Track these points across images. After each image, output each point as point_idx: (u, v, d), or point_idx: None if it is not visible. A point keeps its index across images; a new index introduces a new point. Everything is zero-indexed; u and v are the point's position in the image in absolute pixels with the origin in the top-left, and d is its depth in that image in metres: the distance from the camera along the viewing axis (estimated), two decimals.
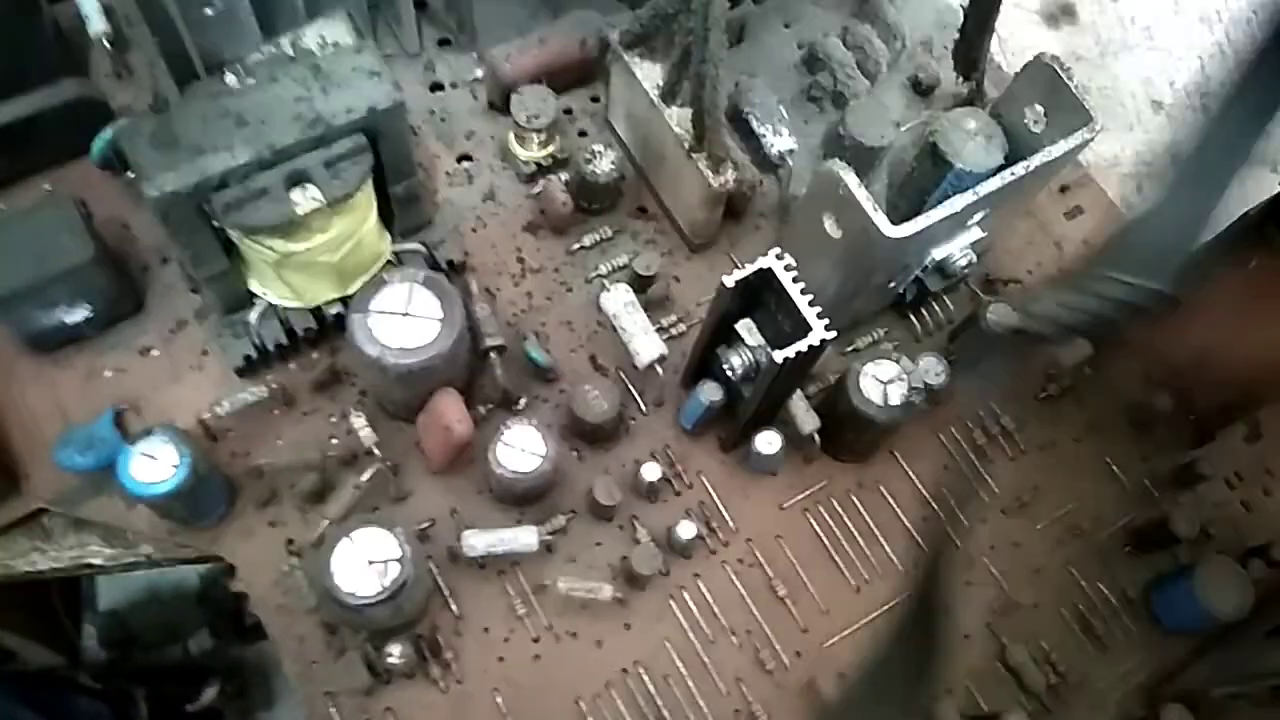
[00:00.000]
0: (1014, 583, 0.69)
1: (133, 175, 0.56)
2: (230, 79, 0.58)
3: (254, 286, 0.66)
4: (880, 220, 0.59)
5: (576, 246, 0.75)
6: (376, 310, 0.61)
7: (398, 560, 0.56)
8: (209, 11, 0.71)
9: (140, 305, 0.70)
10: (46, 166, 0.73)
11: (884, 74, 0.81)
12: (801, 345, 0.56)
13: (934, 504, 0.68)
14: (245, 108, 0.57)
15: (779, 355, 0.56)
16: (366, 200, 0.63)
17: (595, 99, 0.79)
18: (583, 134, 0.79)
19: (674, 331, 0.73)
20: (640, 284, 0.72)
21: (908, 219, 0.60)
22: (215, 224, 0.59)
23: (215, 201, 0.56)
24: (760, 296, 0.61)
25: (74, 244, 0.63)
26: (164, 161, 0.55)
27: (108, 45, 0.75)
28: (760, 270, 0.58)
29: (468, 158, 0.78)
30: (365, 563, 0.56)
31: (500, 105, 0.77)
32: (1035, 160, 0.64)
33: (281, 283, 0.65)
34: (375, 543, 0.57)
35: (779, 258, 0.58)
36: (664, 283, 0.74)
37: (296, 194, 0.58)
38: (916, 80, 0.82)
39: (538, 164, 0.76)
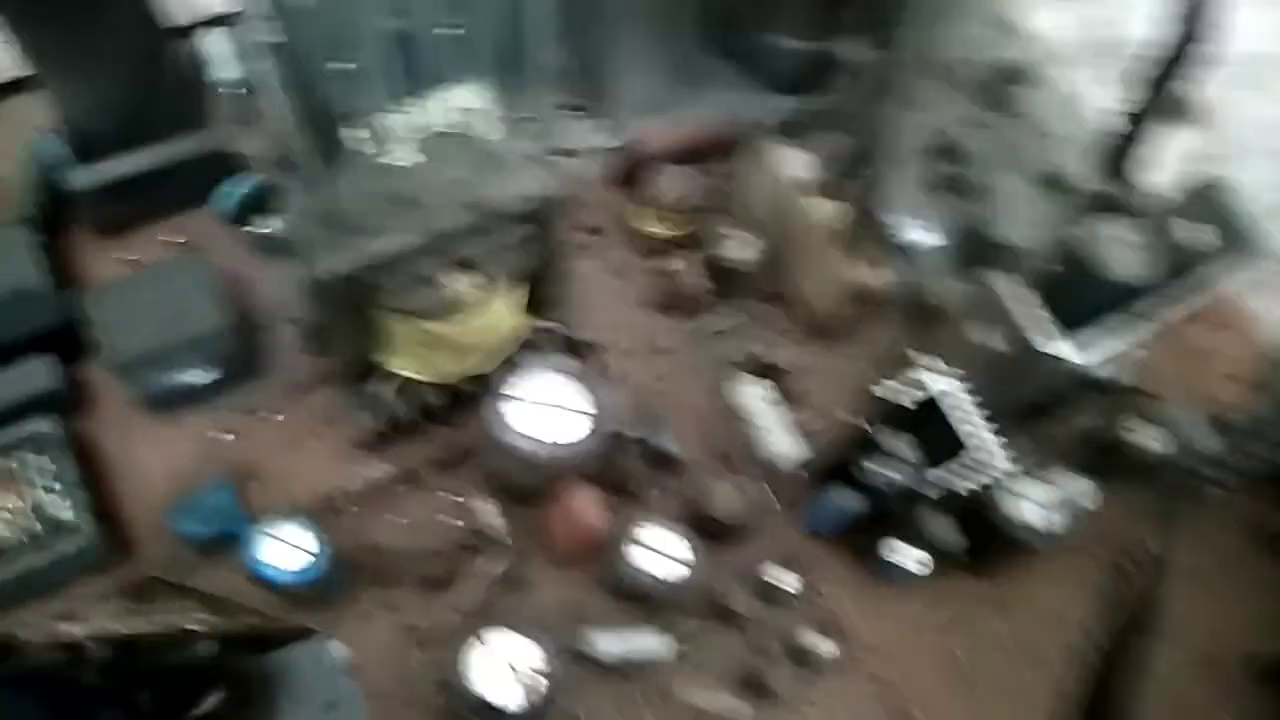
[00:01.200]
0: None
1: (296, 256, 0.54)
2: (398, 159, 0.56)
3: (385, 358, 0.64)
4: (1044, 336, 0.58)
5: (706, 330, 0.73)
6: (517, 397, 0.59)
7: (546, 675, 0.53)
8: (348, 67, 0.70)
9: (260, 367, 0.68)
10: (166, 214, 0.71)
11: (1019, 167, 0.79)
12: (984, 478, 0.54)
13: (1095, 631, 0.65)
14: (411, 189, 0.55)
15: (962, 487, 0.54)
16: (520, 283, 0.61)
17: (729, 177, 0.77)
18: (714, 211, 0.77)
19: (805, 427, 0.71)
20: (772, 374, 0.70)
21: None
22: (368, 304, 0.57)
23: (375, 284, 0.54)
24: (916, 416, 0.60)
25: (207, 309, 0.61)
26: (329, 241, 0.53)
27: (236, 93, 0.73)
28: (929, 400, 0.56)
29: (597, 230, 0.76)
30: (506, 667, 0.54)
31: (632, 178, 0.75)
32: (1196, 281, 0.62)
33: (415, 357, 0.63)
34: (517, 649, 0.54)
35: (960, 381, 0.56)
36: (794, 372, 0.72)
37: (454, 278, 0.56)
38: (1053, 177, 0.80)
39: (669, 241, 0.74)
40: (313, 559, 0.56)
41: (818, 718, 0.64)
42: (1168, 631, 0.69)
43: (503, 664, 0.54)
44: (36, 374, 0.62)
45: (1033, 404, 0.71)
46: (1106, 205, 0.77)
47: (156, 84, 0.66)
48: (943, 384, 0.57)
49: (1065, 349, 0.58)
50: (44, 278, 0.63)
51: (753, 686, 0.63)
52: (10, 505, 0.58)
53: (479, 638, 0.54)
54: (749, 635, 0.65)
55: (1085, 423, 0.73)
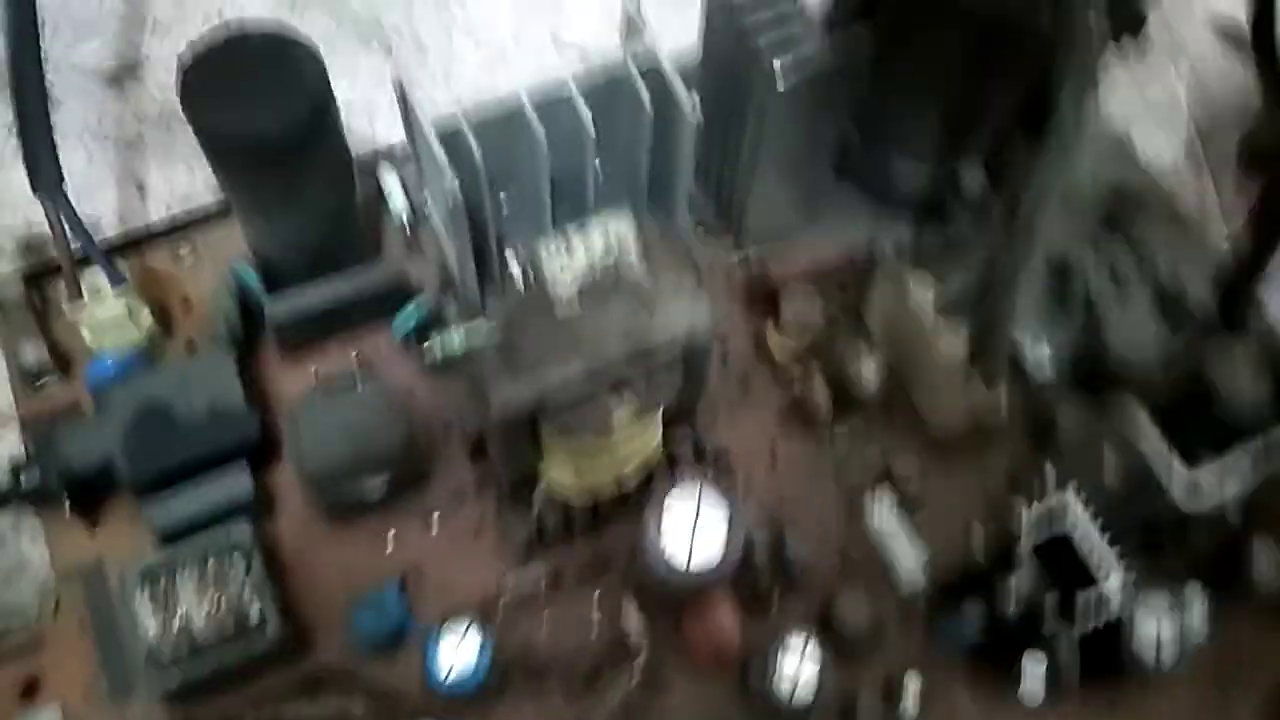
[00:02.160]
0: None
1: (477, 389, 0.61)
2: (563, 300, 0.63)
3: (541, 470, 0.70)
4: (1177, 469, 0.60)
5: (830, 443, 0.77)
6: (664, 515, 0.64)
7: None
8: (504, 199, 0.77)
9: (426, 474, 0.74)
10: (346, 334, 0.78)
11: (1133, 289, 0.82)
12: (1108, 605, 0.57)
13: None
14: (580, 327, 0.61)
15: (1087, 612, 0.57)
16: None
17: (855, 298, 0.82)
18: (836, 323, 0.81)
19: (929, 541, 0.74)
20: (896, 487, 0.73)
21: None
22: (532, 428, 0.63)
23: (546, 409, 0.60)
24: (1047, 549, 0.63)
25: (386, 426, 0.68)
26: (508, 373, 0.59)
27: (406, 225, 0.81)
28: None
29: (724, 344, 0.81)
30: None
31: (763, 298, 0.81)
32: None
33: (568, 470, 0.69)
34: None
35: (1081, 506, 0.60)
36: (917, 487, 0.75)
37: (614, 402, 0.62)
38: (1164, 294, 0.83)
39: (797, 357, 0.79)
40: (475, 660, 0.61)
41: None
42: None
43: None
44: (233, 483, 0.69)
45: (1153, 527, 0.73)
46: (1228, 330, 0.79)
47: (344, 221, 0.74)
48: (1069, 510, 0.60)
49: (1184, 478, 0.61)
50: (240, 395, 0.71)
51: None
52: (208, 605, 0.65)
53: None
54: None
55: (1204, 548, 0.74)
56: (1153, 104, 0.98)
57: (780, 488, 0.76)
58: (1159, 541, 0.74)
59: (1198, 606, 0.67)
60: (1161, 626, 0.64)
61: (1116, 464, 0.64)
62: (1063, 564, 0.61)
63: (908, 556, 0.69)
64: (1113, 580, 0.59)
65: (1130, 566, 0.61)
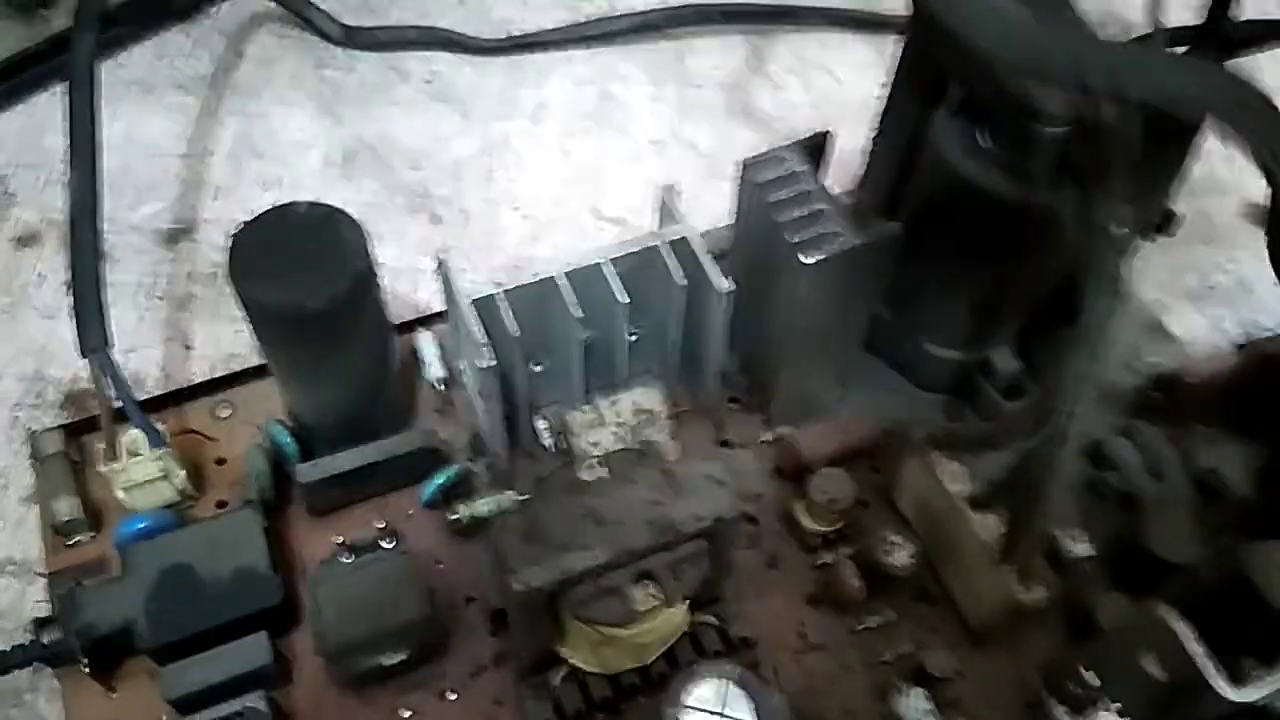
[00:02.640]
0: None
1: (498, 566, 0.60)
2: (590, 479, 0.63)
3: (561, 652, 0.69)
4: (1222, 684, 0.58)
5: (860, 628, 0.75)
6: (691, 709, 0.62)
7: None
8: (537, 368, 0.78)
9: (445, 646, 0.73)
10: (372, 497, 0.78)
11: (1173, 482, 0.81)
12: None
13: None
14: (604, 507, 0.61)
15: None
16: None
17: (886, 479, 0.81)
18: (863, 504, 0.80)
19: None
20: (927, 680, 0.71)
21: None
22: (555, 609, 0.62)
23: (568, 596, 0.60)
24: None
25: (411, 600, 0.68)
26: (530, 556, 0.59)
27: (440, 389, 0.83)
28: None
29: (753, 520, 0.80)
30: None
31: (791, 474, 0.80)
32: None
33: (588, 652, 0.67)
34: None
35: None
36: (950, 679, 0.72)
37: (638, 591, 0.61)
38: (1204, 483, 0.82)
39: (825, 537, 0.78)
40: None
41: None
42: None
43: None
44: (253, 652, 0.68)
45: None
46: (1255, 512, 0.77)
47: (379, 389, 0.76)
48: None
49: (1227, 685, 0.58)
50: (265, 559, 0.71)
51: None
52: None
53: None
54: None
55: None
56: (1190, 290, 0.99)
57: (808, 677, 0.73)
58: None
59: None
60: None
61: (1158, 665, 0.62)
62: None
63: None
64: None
65: None
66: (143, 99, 1.05)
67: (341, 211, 0.69)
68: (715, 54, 1.14)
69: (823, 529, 0.77)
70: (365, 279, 0.68)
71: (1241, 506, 0.81)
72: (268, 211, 0.69)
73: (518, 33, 1.13)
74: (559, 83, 1.11)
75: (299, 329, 0.67)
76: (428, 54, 1.12)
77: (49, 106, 1.04)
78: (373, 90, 1.09)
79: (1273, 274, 0.60)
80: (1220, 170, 1.06)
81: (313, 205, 0.69)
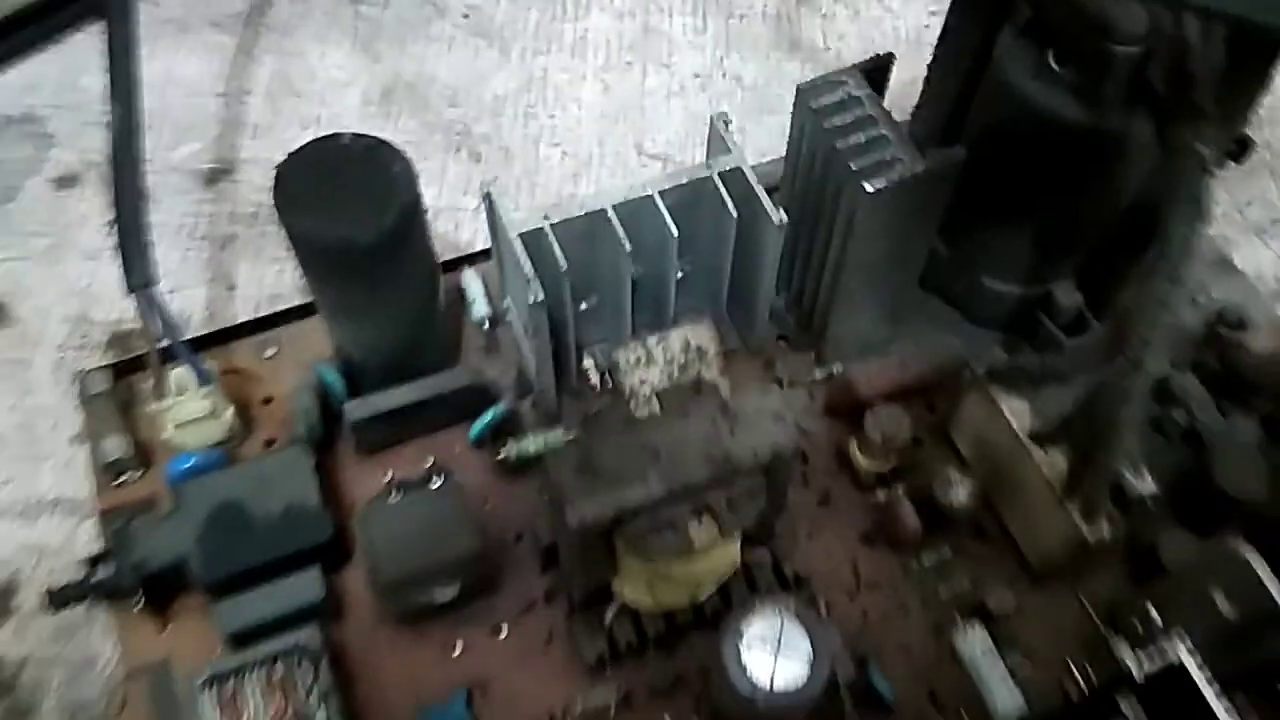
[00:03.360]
0: None
1: (553, 500, 0.59)
2: (643, 413, 0.62)
3: (614, 586, 0.68)
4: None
5: (916, 566, 0.74)
6: (748, 641, 0.61)
7: None
8: (584, 305, 0.77)
9: (496, 581, 0.72)
10: (419, 435, 0.78)
11: (1239, 418, 0.78)
12: None
13: None
14: (660, 441, 0.59)
15: None
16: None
17: (935, 410, 0.79)
18: (918, 442, 0.78)
19: (1022, 675, 0.70)
20: (987, 617, 0.70)
21: None
22: (609, 540, 0.61)
23: (624, 530, 0.59)
24: (1155, 690, 0.58)
25: (462, 534, 0.67)
26: (586, 490, 0.58)
27: (486, 328, 0.81)
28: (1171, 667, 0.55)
29: (804, 459, 0.79)
30: None
31: (847, 412, 0.78)
32: None
33: (642, 588, 0.66)
34: None
35: (1191, 654, 0.56)
36: (1010, 617, 0.71)
37: (694, 526, 0.60)
38: (1273, 420, 0.79)
39: (881, 475, 0.76)
40: None
41: None
42: None
43: None
44: (305, 587, 0.68)
45: (1262, 668, 0.68)
46: None
47: (426, 325, 0.75)
48: (1178, 655, 0.56)
49: None
50: (315, 496, 0.70)
51: None
52: (274, 712, 0.63)
53: None
54: None
55: None
56: (1256, 223, 0.95)
57: (864, 615, 0.72)
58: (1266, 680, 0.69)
59: None
60: None
61: (1229, 600, 0.60)
62: (1164, 708, 0.57)
63: (1003, 697, 0.65)
64: None
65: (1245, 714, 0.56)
66: (179, 38, 1.04)
67: (387, 143, 0.67)
68: None
69: (877, 467, 0.76)
70: (413, 211, 0.66)
71: None
72: (311, 143, 0.67)
73: None
74: (599, 15, 1.08)
75: (345, 264, 0.66)
76: None
77: (85, 47, 1.03)
78: (410, 26, 1.07)
79: None
80: None
81: (357, 136, 0.67)
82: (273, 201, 0.65)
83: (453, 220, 0.93)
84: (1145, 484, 0.73)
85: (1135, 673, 0.56)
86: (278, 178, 0.65)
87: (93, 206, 0.94)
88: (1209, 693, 0.54)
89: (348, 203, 0.64)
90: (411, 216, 0.66)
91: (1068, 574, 0.73)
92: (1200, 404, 0.78)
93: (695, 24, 1.08)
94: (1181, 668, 0.55)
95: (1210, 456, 0.75)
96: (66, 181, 0.96)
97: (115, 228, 0.74)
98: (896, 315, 0.81)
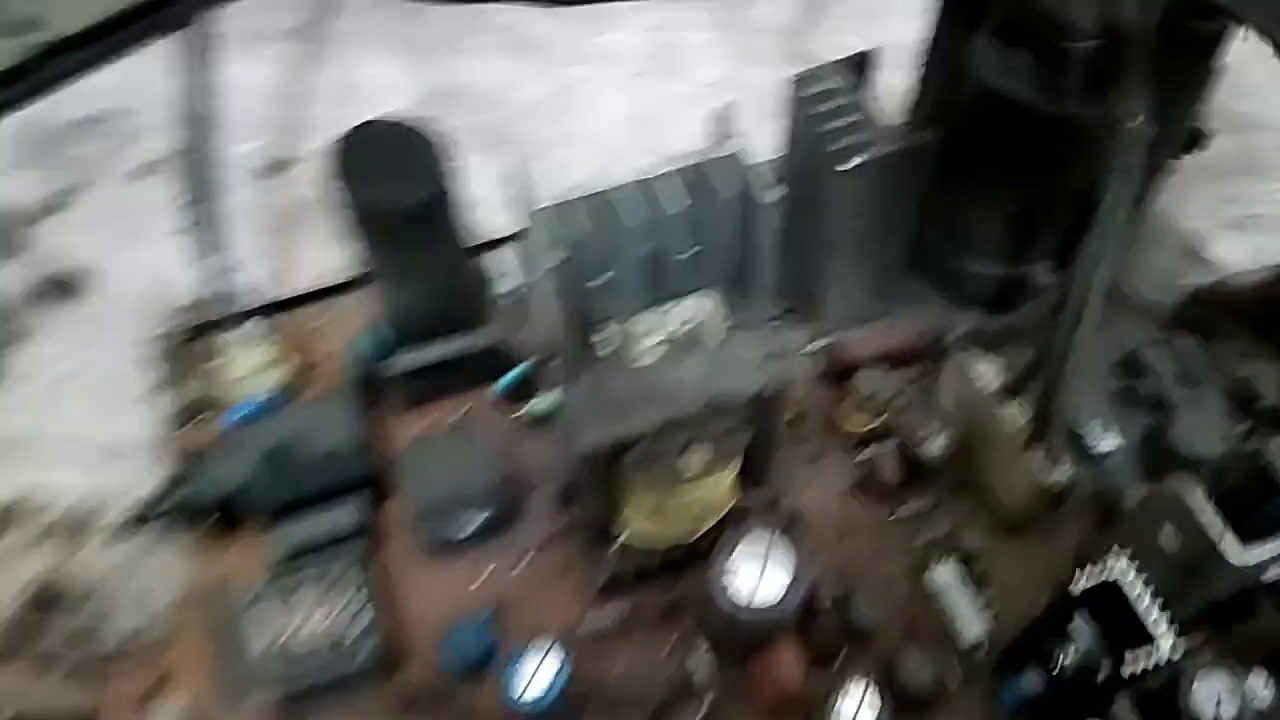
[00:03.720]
0: None
1: (567, 430, 0.68)
2: (646, 358, 0.70)
3: (620, 522, 0.76)
4: (1230, 545, 0.63)
5: (895, 516, 0.81)
6: (735, 560, 0.69)
7: None
8: (599, 280, 0.85)
9: (517, 519, 0.81)
10: (454, 393, 0.87)
11: (1205, 389, 0.85)
12: (1153, 660, 0.59)
13: None
14: (661, 379, 0.68)
15: (1127, 668, 0.60)
16: (737, 460, 0.72)
17: (924, 379, 0.87)
18: (909, 409, 0.86)
19: (993, 609, 0.76)
20: (961, 558, 0.77)
21: None
22: (616, 469, 0.69)
23: (627, 456, 0.67)
24: (1099, 606, 0.65)
25: (485, 470, 0.76)
26: (596, 420, 0.66)
27: (513, 299, 0.90)
28: (1108, 583, 0.62)
29: (798, 420, 0.86)
30: None
31: (837, 377, 0.86)
32: None
33: (646, 520, 0.74)
34: None
35: (1133, 566, 0.62)
36: (982, 558, 0.78)
37: (688, 456, 0.68)
38: (1236, 392, 0.86)
39: (867, 434, 0.84)
40: (551, 681, 0.66)
41: None
42: None
43: None
44: (350, 513, 0.77)
45: (1215, 605, 0.74)
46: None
47: (458, 292, 0.84)
48: (1124, 576, 0.62)
49: (1239, 553, 0.63)
50: (360, 437, 0.80)
51: None
52: (320, 621, 0.72)
53: None
54: None
55: (1264, 626, 0.75)
56: (1232, 219, 1.02)
57: (849, 553, 0.80)
58: (1223, 621, 0.75)
59: (1252, 679, 0.68)
60: (1214, 693, 0.65)
61: (1175, 535, 0.66)
62: (1117, 623, 0.63)
63: (971, 620, 0.72)
64: (1165, 640, 0.61)
65: (1184, 632, 0.63)
66: (249, 48, 1.15)
67: (423, 127, 0.77)
68: (776, 7, 1.20)
69: (864, 425, 0.83)
70: (446, 185, 0.75)
71: (1272, 414, 0.85)
72: (360, 125, 0.77)
73: None
74: (625, 31, 1.18)
75: (391, 227, 0.75)
76: (504, 6, 1.20)
77: (161, 54, 1.15)
78: (453, 40, 1.17)
79: None
80: (1266, 108, 1.09)
81: (397, 122, 0.77)
82: (332, 174, 0.75)
83: (489, 210, 1.02)
84: (1109, 441, 0.80)
85: (1076, 588, 0.63)
86: (335, 154, 0.75)
87: (164, 195, 1.04)
88: (1136, 597, 0.61)
89: (393, 176, 0.74)
90: (442, 188, 0.75)
91: (1037, 522, 0.80)
92: (1166, 374, 0.85)
93: (711, 39, 1.18)
94: (1116, 582, 0.62)
95: (1173, 419, 0.82)
96: (140, 173, 1.07)
97: (191, 204, 0.84)
98: (885, 294, 0.89)
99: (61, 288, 0.99)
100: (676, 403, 0.66)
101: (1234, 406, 0.85)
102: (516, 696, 0.66)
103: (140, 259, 1.00)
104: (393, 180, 0.73)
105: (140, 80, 1.14)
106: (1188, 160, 1.04)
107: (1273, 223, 1.02)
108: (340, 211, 0.77)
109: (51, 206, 1.04)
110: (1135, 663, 0.62)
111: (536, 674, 0.67)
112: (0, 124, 1.10)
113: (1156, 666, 0.61)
